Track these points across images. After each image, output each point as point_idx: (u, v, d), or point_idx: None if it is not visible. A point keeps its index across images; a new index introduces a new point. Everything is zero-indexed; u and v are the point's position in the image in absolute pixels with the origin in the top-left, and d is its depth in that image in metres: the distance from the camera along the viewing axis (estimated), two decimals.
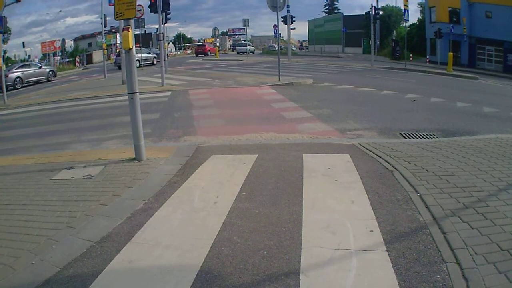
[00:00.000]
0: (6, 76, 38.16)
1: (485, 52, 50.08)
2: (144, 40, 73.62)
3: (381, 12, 60.99)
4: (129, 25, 9.47)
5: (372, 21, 46.91)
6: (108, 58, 49.39)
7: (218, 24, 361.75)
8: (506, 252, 4.99)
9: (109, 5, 26.94)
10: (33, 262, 5.17)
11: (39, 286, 4.69)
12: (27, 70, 44.14)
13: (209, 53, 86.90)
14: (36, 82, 43.52)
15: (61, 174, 8.93)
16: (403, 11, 49.62)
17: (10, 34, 74.36)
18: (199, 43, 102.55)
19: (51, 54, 79.63)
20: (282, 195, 7.21)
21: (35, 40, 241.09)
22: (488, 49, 49.47)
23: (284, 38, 70.31)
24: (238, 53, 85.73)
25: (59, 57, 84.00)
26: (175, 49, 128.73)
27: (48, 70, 48.74)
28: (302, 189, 7.47)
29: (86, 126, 15.52)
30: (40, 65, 49.44)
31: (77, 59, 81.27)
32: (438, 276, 4.59)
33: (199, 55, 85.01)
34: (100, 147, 12.14)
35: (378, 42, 69.59)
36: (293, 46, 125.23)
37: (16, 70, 42.83)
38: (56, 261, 5.20)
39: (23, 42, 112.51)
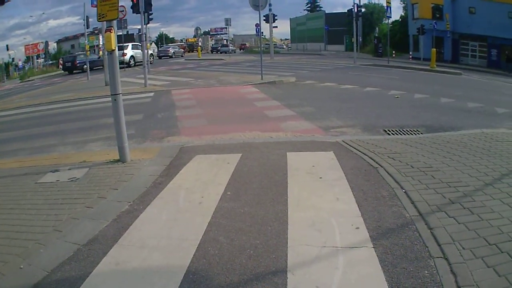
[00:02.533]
0: (168, 50, 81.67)
1: (468, 47, 50.54)
2: (126, 41, 73.59)
3: (363, 9, 61.32)
4: (112, 26, 9.44)
5: (354, 18, 47.02)
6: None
7: (200, 24, 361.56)
8: (494, 246, 5.01)
9: (92, 6, 26.78)
10: (21, 266, 5.14)
11: None
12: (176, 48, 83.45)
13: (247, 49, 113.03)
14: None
15: (46, 177, 8.88)
16: (385, 8, 49.88)
17: None
18: (242, 42, 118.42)
19: (35, 57, 79.37)
20: (267, 194, 7.21)
21: (18, 43, 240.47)
22: (472, 45, 49.91)
23: (267, 37, 70.28)
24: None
25: (43, 59, 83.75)
26: (158, 50, 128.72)
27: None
28: (286, 188, 7.48)
29: (70, 128, 15.42)
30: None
31: (60, 61, 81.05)
32: (426, 272, 4.61)
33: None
34: (84, 149, 12.07)
35: (360, 39, 69.86)
36: (283, 45, 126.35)
37: (172, 47, 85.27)
38: (44, 265, 5.17)
39: (7, 45, 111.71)
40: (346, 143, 10.54)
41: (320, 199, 6.87)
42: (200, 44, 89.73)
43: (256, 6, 26.68)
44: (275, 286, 4.46)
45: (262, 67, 27.48)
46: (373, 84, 25.09)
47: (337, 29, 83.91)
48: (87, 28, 42.57)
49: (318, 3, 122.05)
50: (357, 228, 5.71)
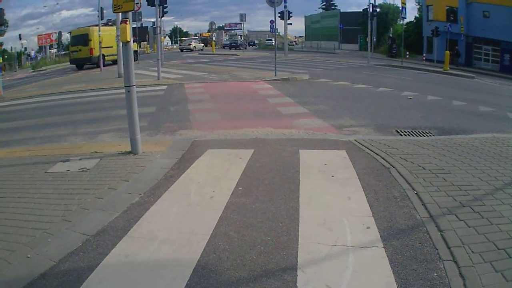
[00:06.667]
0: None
1: (482, 51, 50.16)
2: (140, 34, 73.70)
3: (378, 9, 60.92)
4: (127, 18, 9.46)
5: (369, 18, 46.78)
6: None
7: (214, 19, 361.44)
8: (503, 251, 5.00)
9: None
10: (28, 255, 5.14)
11: (35, 280, 4.66)
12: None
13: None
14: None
15: (56, 167, 8.90)
16: (400, 8, 49.73)
17: (7, 26, 74.06)
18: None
19: (48, 47, 79.51)
20: (279, 191, 7.21)
21: (31, 32, 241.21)
22: (485, 49, 49.55)
23: (281, 34, 70.10)
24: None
25: (55, 49, 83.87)
26: (172, 43, 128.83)
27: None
28: (298, 185, 7.48)
29: (82, 119, 15.47)
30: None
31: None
32: (435, 274, 4.60)
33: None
34: (95, 140, 12.11)
35: (374, 39, 69.52)
36: (294, 42, 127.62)
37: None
38: (52, 254, 5.17)
39: (19, 35, 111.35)
40: (358, 142, 10.53)
41: (332, 197, 6.87)
42: (214, 38, 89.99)
43: (271, 2, 26.65)
44: (285, 283, 4.46)
45: (276, 63, 27.39)
46: (386, 84, 25.02)
47: (352, 28, 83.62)
48: (101, 20, 42.53)
49: (333, 2, 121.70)
50: (368, 227, 5.70)
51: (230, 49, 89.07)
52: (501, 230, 5.55)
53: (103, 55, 41.75)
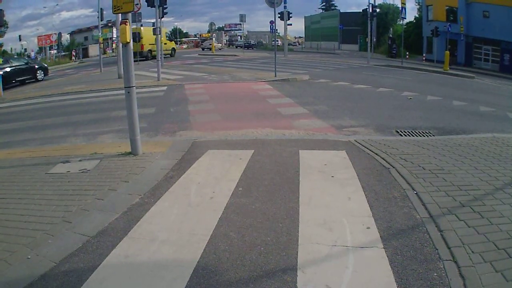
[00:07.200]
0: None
1: (481, 51, 50.12)
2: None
3: (378, 10, 60.83)
4: (127, 19, 9.44)
5: (369, 18, 46.76)
6: (104, 52, 49.04)
7: (213, 19, 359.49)
8: (503, 251, 5.00)
9: None
10: (29, 256, 5.14)
11: (35, 281, 4.67)
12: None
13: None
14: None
15: (56, 168, 8.90)
16: (400, 9, 49.77)
17: (7, 27, 73.89)
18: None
19: (47, 48, 79.42)
20: (279, 191, 7.21)
21: (31, 33, 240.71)
22: (485, 49, 49.51)
23: (281, 34, 70.11)
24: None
25: (55, 50, 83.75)
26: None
27: None
28: (298, 185, 7.48)
29: (82, 120, 15.46)
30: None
31: (73, 53, 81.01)
32: (435, 274, 4.61)
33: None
34: (95, 141, 12.12)
35: (374, 40, 69.45)
36: (297, 43, 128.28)
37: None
38: (52, 256, 5.17)
39: (19, 36, 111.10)
40: (358, 142, 10.53)
41: (332, 198, 6.87)
42: (214, 39, 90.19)
43: (271, 3, 26.60)
44: (285, 284, 4.46)
45: (276, 64, 27.36)
46: (386, 84, 25.01)
47: (351, 28, 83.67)
48: (101, 21, 42.53)
49: (333, 2, 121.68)
50: (368, 228, 5.70)
51: (243, 48, 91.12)
52: (501, 230, 5.55)
53: (150, 51, 52.24)
